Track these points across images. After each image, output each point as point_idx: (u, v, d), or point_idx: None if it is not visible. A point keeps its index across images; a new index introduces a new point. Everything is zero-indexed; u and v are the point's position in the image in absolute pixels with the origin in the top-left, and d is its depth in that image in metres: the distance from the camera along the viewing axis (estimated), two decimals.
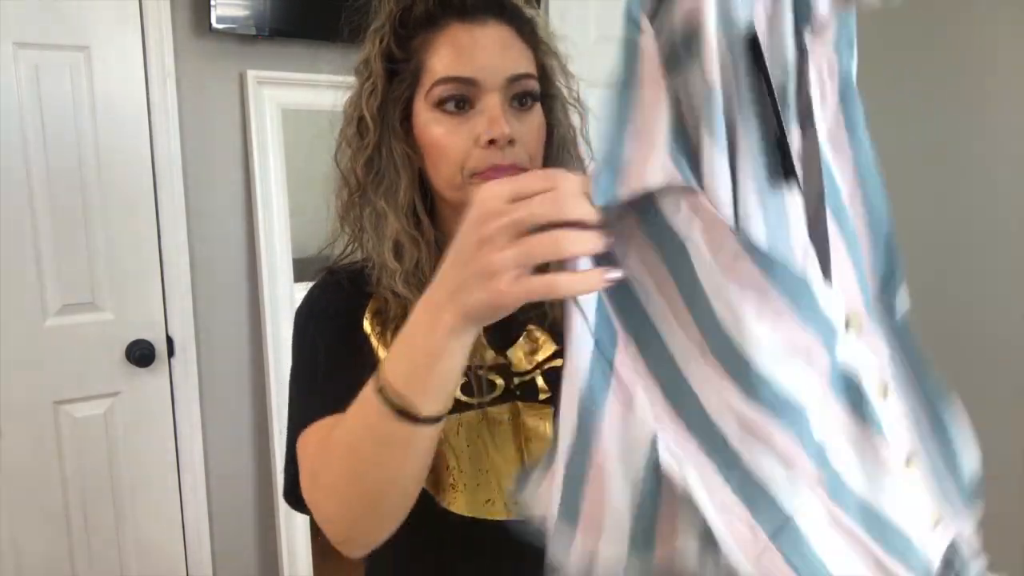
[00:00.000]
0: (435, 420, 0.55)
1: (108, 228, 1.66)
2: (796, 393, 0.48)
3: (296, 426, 0.71)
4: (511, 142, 0.69)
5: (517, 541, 0.53)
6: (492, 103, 0.69)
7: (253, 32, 1.73)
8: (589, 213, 0.45)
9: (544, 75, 0.77)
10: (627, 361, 0.49)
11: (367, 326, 0.74)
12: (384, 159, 0.74)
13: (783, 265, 0.46)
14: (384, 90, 0.74)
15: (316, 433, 0.65)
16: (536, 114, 0.73)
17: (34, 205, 1.58)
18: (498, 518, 0.71)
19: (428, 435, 0.56)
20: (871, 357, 0.52)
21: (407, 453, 0.56)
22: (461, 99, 0.70)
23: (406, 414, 0.53)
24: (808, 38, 0.48)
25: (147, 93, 1.67)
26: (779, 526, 0.47)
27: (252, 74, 1.77)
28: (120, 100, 1.65)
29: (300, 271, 1.88)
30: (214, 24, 1.67)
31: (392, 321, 0.72)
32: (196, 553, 1.85)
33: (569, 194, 0.45)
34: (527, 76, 0.72)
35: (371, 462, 0.58)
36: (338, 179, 0.78)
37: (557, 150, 0.79)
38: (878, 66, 1.34)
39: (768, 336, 0.47)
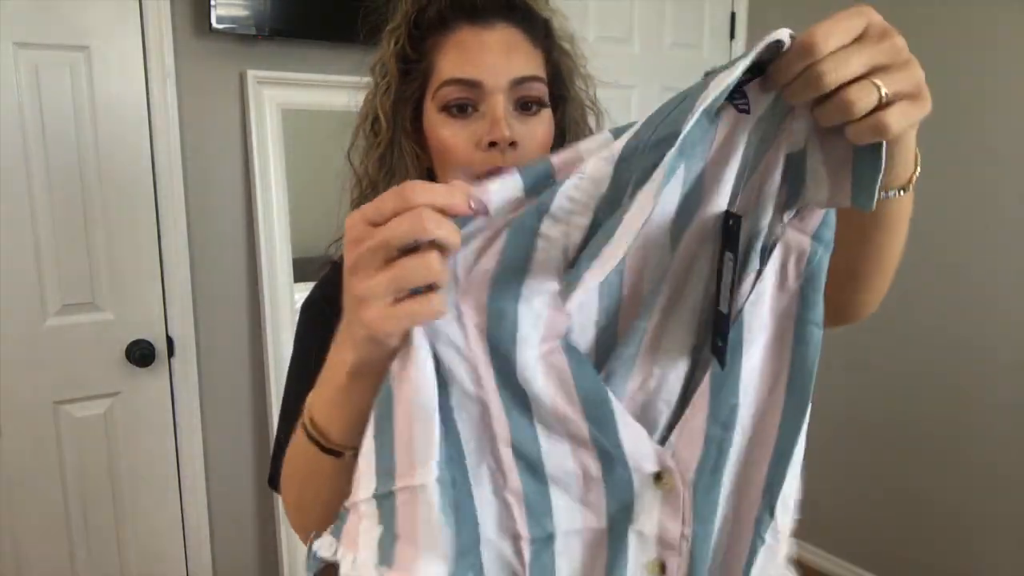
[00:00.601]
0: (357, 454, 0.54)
1: (108, 228, 1.66)
2: (552, 470, 0.50)
3: (284, 419, 0.73)
4: (513, 145, 0.70)
5: None
6: (494, 106, 0.70)
7: (253, 32, 1.72)
8: (451, 232, 0.43)
9: (558, 77, 0.77)
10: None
11: None
12: (395, 157, 0.76)
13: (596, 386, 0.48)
14: (398, 90, 0.75)
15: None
16: (542, 119, 0.73)
17: (34, 205, 1.58)
18: None
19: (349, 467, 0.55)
20: (656, 528, 0.52)
21: (339, 486, 0.55)
22: (466, 101, 0.71)
23: (325, 448, 0.53)
24: (787, 217, 0.47)
25: (147, 93, 1.67)
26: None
27: (252, 74, 1.77)
28: (120, 100, 1.65)
29: (300, 271, 1.88)
30: (214, 24, 1.67)
31: None
32: (196, 553, 1.85)
33: (427, 214, 0.42)
34: (533, 79, 0.72)
35: (310, 493, 0.58)
36: (352, 174, 0.80)
37: None
38: None
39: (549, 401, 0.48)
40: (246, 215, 1.83)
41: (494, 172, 0.70)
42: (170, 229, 1.72)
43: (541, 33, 0.75)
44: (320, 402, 0.53)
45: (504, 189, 0.45)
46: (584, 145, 0.46)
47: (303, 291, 0.83)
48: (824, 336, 0.50)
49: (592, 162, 0.44)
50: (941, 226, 2.08)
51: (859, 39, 0.39)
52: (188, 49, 1.71)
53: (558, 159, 0.46)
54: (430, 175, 0.76)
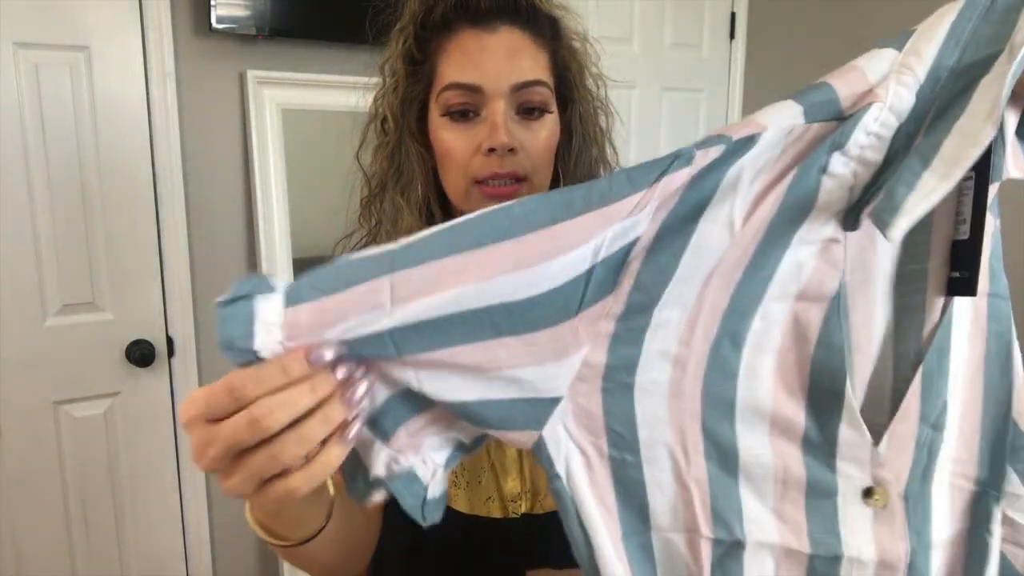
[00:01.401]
0: (308, 539, 0.54)
1: (108, 228, 1.66)
2: (746, 459, 0.45)
3: None
4: (512, 151, 0.69)
5: (513, 539, 0.53)
6: (494, 111, 0.70)
7: (253, 32, 1.72)
8: (306, 402, 0.40)
9: (565, 77, 0.77)
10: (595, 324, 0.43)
11: None
12: (403, 157, 0.76)
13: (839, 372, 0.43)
14: (404, 90, 0.75)
15: None
16: (545, 123, 0.73)
17: (34, 205, 1.58)
18: (496, 516, 0.72)
19: (311, 547, 0.54)
20: (874, 546, 0.46)
21: (301, 559, 0.56)
22: (467, 106, 0.71)
23: (270, 539, 0.54)
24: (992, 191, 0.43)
25: (147, 93, 1.67)
26: (632, 530, 0.47)
27: (252, 74, 1.76)
28: (120, 100, 1.65)
29: (300, 271, 1.87)
30: (214, 24, 1.67)
31: None
32: (196, 553, 1.85)
33: (263, 409, 0.38)
34: (535, 83, 0.71)
35: (315, 566, 0.60)
36: (360, 173, 0.80)
37: (578, 154, 0.79)
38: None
39: (764, 391, 0.44)
40: (246, 215, 1.83)
41: (494, 177, 0.70)
42: (170, 229, 1.72)
43: (547, 34, 0.75)
44: (260, 526, 0.53)
45: (781, 117, 0.41)
46: (862, 63, 0.41)
47: None
48: None
49: (892, 90, 0.40)
50: None
51: None
52: (188, 49, 1.71)
53: (840, 83, 0.41)
54: (435, 175, 0.76)
